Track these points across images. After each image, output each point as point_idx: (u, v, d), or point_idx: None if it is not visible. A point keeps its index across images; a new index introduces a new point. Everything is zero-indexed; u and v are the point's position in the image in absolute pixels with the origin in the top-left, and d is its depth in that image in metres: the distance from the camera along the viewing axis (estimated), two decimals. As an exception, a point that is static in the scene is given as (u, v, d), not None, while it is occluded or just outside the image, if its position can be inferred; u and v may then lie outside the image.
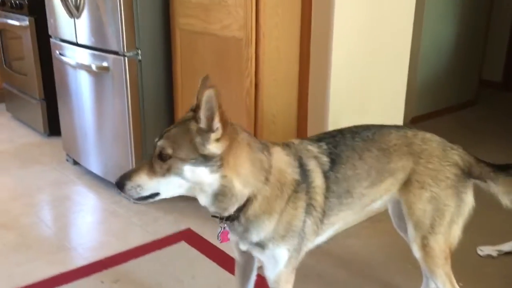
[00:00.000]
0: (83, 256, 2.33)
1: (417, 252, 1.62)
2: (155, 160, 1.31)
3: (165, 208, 2.79)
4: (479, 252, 2.34)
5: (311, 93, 2.43)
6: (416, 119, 4.31)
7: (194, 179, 1.29)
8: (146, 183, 1.31)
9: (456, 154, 1.60)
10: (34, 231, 2.55)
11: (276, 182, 1.39)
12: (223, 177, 1.30)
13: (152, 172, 1.31)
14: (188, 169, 1.28)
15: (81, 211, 2.80)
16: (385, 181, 1.58)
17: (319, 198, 1.47)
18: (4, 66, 4.37)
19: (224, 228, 1.43)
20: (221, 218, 1.41)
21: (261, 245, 1.45)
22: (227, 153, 1.30)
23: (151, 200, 1.35)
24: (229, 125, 1.31)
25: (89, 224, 2.67)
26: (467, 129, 4.26)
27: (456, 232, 1.60)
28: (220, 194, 1.33)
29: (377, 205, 1.68)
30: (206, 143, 1.27)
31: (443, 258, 1.59)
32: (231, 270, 1.97)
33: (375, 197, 1.61)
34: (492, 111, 4.87)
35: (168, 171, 1.29)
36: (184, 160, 1.28)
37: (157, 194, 1.34)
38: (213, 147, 1.28)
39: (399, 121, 2.80)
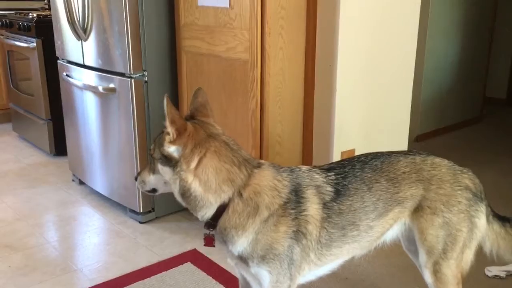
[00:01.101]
0: (89, 277, 2.33)
1: (428, 278, 1.61)
2: (154, 162, 1.54)
3: (171, 228, 2.80)
4: (487, 273, 2.32)
5: (316, 113, 2.45)
6: (421, 137, 4.31)
7: (165, 177, 1.49)
8: (146, 179, 1.57)
9: (467, 178, 1.59)
10: (40, 252, 2.55)
11: (250, 199, 1.43)
12: (182, 179, 1.43)
13: (151, 170, 1.56)
14: (160, 167, 1.49)
15: (87, 231, 2.80)
16: (392, 210, 1.57)
17: (311, 227, 1.47)
18: (11, 86, 4.42)
19: (210, 234, 1.51)
20: (204, 225, 1.49)
21: (244, 261, 1.47)
22: (188, 157, 1.42)
23: (156, 193, 1.60)
24: (189, 131, 1.43)
25: (95, 245, 2.67)
26: (471, 147, 4.25)
27: (469, 256, 1.59)
28: (184, 194, 1.45)
29: (389, 237, 1.66)
30: (163, 144, 1.44)
31: (455, 283, 1.58)
32: (237, 292, 1.97)
33: (384, 227, 1.60)
34: (497, 129, 4.87)
35: (154, 169, 1.53)
36: (157, 160, 1.49)
37: (155, 189, 1.58)
38: (168, 149, 1.43)
39: (405, 140, 2.81)
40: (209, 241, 1.52)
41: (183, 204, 1.50)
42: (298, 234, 1.45)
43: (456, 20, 4.42)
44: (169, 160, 1.44)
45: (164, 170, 1.47)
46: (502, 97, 5.62)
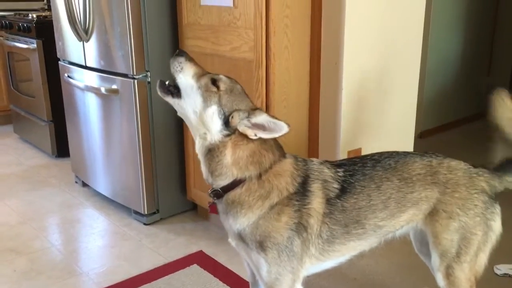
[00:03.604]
0: (94, 281, 2.31)
1: (441, 281, 1.59)
2: (207, 78, 1.41)
3: (176, 230, 2.78)
4: (496, 271, 2.30)
5: (322, 113, 2.43)
6: (425, 133, 4.29)
7: (207, 119, 1.38)
8: (188, 72, 1.42)
9: (483, 180, 1.56)
10: (45, 256, 2.53)
11: (267, 182, 1.42)
12: (223, 143, 1.39)
13: (198, 76, 1.42)
14: (213, 109, 1.38)
15: (91, 234, 2.78)
16: (407, 212, 1.55)
17: (312, 221, 1.45)
18: (12, 88, 4.39)
19: (214, 202, 1.50)
20: (211, 192, 1.46)
21: (243, 240, 1.46)
22: (241, 135, 1.39)
23: (170, 96, 1.44)
24: None
25: (100, 247, 2.65)
26: (475, 142, 4.22)
27: (483, 260, 1.57)
28: (212, 152, 1.40)
29: (398, 234, 1.65)
30: (239, 122, 1.38)
31: (468, 287, 1.56)
32: (246, 294, 1.95)
33: (394, 228, 1.58)
34: (500, 124, 4.84)
35: (204, 91, 1.39)
36: (220, 103, 1.38)
37: (178, 92, 1.43)
38: (236, 127, 1.38)
39: (411, 137, 2.79)
40: (214, 209, 1.52)
41: (201, 157, 1.45)
42: (299, 227, 1.44)
43: (458, 15, 4.39)
44: (227, 123, 1.39)
45: (214, 118, 1.39)
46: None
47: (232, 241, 1.54)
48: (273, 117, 1.39)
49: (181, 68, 1.43)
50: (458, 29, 4.44)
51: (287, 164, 1.47)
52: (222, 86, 1.40)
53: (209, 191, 1.48)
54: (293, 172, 1.46)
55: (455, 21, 4.38)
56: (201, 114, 1.40)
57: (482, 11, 4.62)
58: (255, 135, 1.39)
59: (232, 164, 1.41)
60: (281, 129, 1.37)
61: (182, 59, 1.44)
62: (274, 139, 1.45)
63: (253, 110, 1.41)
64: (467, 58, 4.60)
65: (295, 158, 1.52)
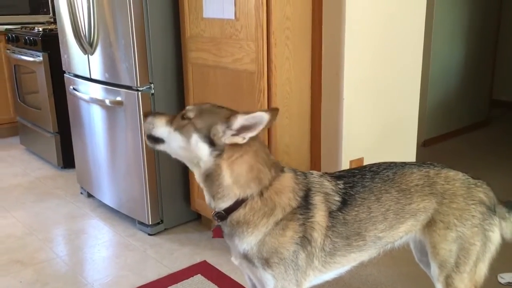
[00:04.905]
0: (99, 292, 2.33)
1: None
2: (179, 117, 1.46)
3: (180, 240, 2.79)
4: (500, 280, 2.29)
5: (324, 123, 2.44)
6: (428, 141, 4.29)
7: (194, 149, 1.41)
8: (160, 126, 1.48)
9: (481, 192, 1.57)
10: (51, 267, 2.55)
11: (269, 199, 1.43)
12: (217, 164, 1.40)
13: (170, 123, 1.47)
14: (195, 138, 1.41)
15: (96, 245, 2.80)
16: (406, 223, 1.56)
17: (316, 234, 1.47)
18: (18, 100, 4.45)
19: (218, 225, 1.50)
20: (214, 215, 1.47)
21: (248, 260, 1.46)
22: (232, 149, 1.40)
23: (157, 145, 1.50)
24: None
25: (105, 258, 2.67)
26: (480, 150, 4.23)
27: (482, 270, 1.57)
28: (210, 177, 1.43)
29: (397, 244, 1.66)
30: (223, 136, 1.39)
31: None
32: (249, 304, 1.96)
33: (393, 239, 1.59)
34: (505, 131, 4.84)
35: (180, 129, 1.43)
36: (197, 130, 1.41)
37: (162, 141, 1.48)
38: (223, 141, 1.39)
39: (413, 146, 2.80)
40: (218, 233, 1.52)
41: (201, 184, 1.47)
42: (304, 240, 1.45)
43: (460, 22, 4.40)
44: (213, 143, 1.40)
45: (199, 145, 1.41)
46: (509, 99, 5.59)
47: (235, 260, 1.54)
48: (248, 113, 1.37)
49: (153, 125, 1.49)
50: (460, 37, 4.45)
51: (287, 179, 1.48)
52: (191, 114, 1.43)
53: (213, 214, 1.49)
54: (294, 186, 1.47)
55: (458, 30, 4.40)
56: (187, 148, 1.43)
57: (485, 20, 4.63)
58: (244, 138, 1.39)
59: (233, 183, 1.42)
60: (262, 118, 1.36)
61: (150, 119, 1.51)
62: (266, 156, 1.46)
63: (228, 118, 1.40)
64: (470, 67, 4.61)
65: (294, 172, 1.53)
